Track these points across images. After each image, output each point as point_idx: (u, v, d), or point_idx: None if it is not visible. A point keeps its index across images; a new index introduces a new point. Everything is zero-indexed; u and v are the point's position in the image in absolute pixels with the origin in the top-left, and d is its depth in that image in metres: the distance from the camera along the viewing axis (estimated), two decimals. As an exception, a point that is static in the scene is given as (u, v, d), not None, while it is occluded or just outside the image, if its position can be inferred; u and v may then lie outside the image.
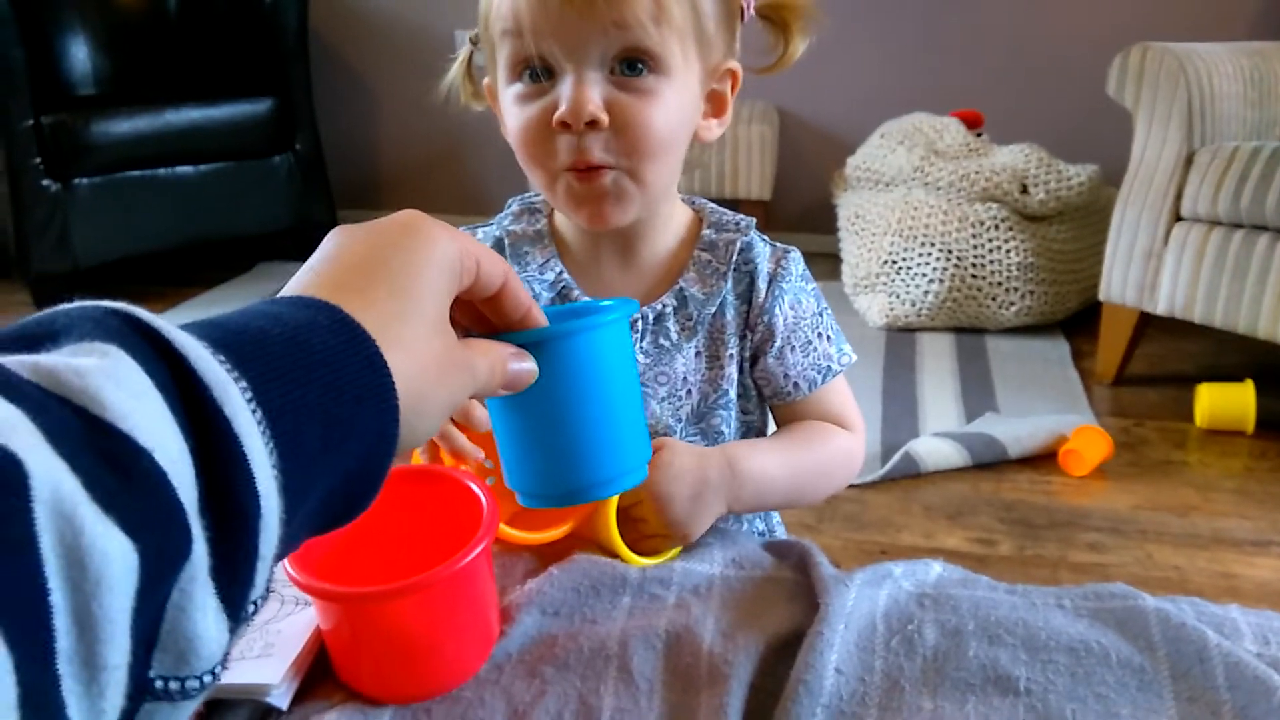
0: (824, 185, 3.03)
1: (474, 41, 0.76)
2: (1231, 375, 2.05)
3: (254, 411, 0.31)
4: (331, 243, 0.41)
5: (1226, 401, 2.00)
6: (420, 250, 0.40)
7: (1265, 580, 1.55)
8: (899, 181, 2.61)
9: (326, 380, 0.34)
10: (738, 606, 0.64)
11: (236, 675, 0.57)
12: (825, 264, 2.97)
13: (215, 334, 0.33)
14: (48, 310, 0.32)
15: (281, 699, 0.56)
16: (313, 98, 3.03)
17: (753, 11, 0.75)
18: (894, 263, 2.53)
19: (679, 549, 0.71)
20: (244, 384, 0.32)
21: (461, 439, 0.67)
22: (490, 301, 0.46)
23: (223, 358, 0.32)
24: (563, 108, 0.66)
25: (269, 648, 0.59)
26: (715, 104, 0.76)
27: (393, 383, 0.36)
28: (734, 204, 2.96)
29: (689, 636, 0.61)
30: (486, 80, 0.76)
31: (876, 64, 2.99)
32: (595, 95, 0.66)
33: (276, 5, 2.85)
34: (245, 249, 3.13)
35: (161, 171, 2.76)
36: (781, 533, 0.93)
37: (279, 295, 0.38)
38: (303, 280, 0.39)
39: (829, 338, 0.81)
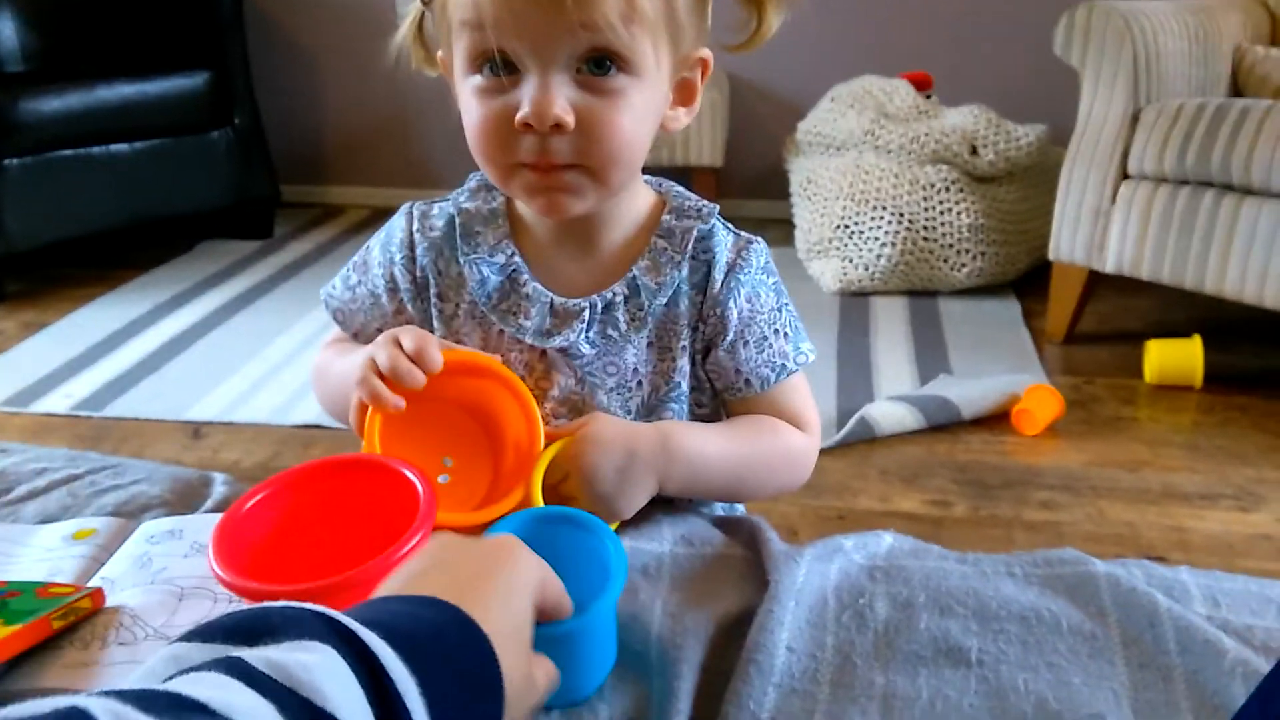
0: (776, 151, 3.01)
1: (425, 3, 0.72)
2: (1179, 331, 2.08)
3: (426, 707, 0.39)
4: (443, 552, 0.51)
5: (1175, 357, 2.02)
6: (519, 575, 0.50)
7: (1214, 533, 1.57)
8: (849, 145, 2.60)
9: (465, 680, 0.42)
10: (687, 586, 0.63)
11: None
12: (779, 230, 2.95)
13: (389, 634, 0.40)
14: (258, 607, 0.41)
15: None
16: (250, 70, 2.94)
17: None
18: (846, 227, 2.52)
19: (615, 526, 0.69)
20: (417, 681, 0.39)
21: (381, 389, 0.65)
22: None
23: (402, 657, 0.39)
24: (526, 109, 0.63)
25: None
26: (684, 92, 0.73)
27: (503, 683, 0.44)
28: (686, 171, 2.93)
29: (636, 625, 0.59)
30: (441, 52, 0.72)
31: (825, 26, 2.97)
32: (560, 98, 0.63)
33: (210, -26, 2.77)
34: (185, 228, 3.04)
35: (95, 150, 2.66)
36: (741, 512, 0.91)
37: (411, 592, 0.46)
38: (426, 579, 0.48)
39: (786, 335, 0.77)
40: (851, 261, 2.53)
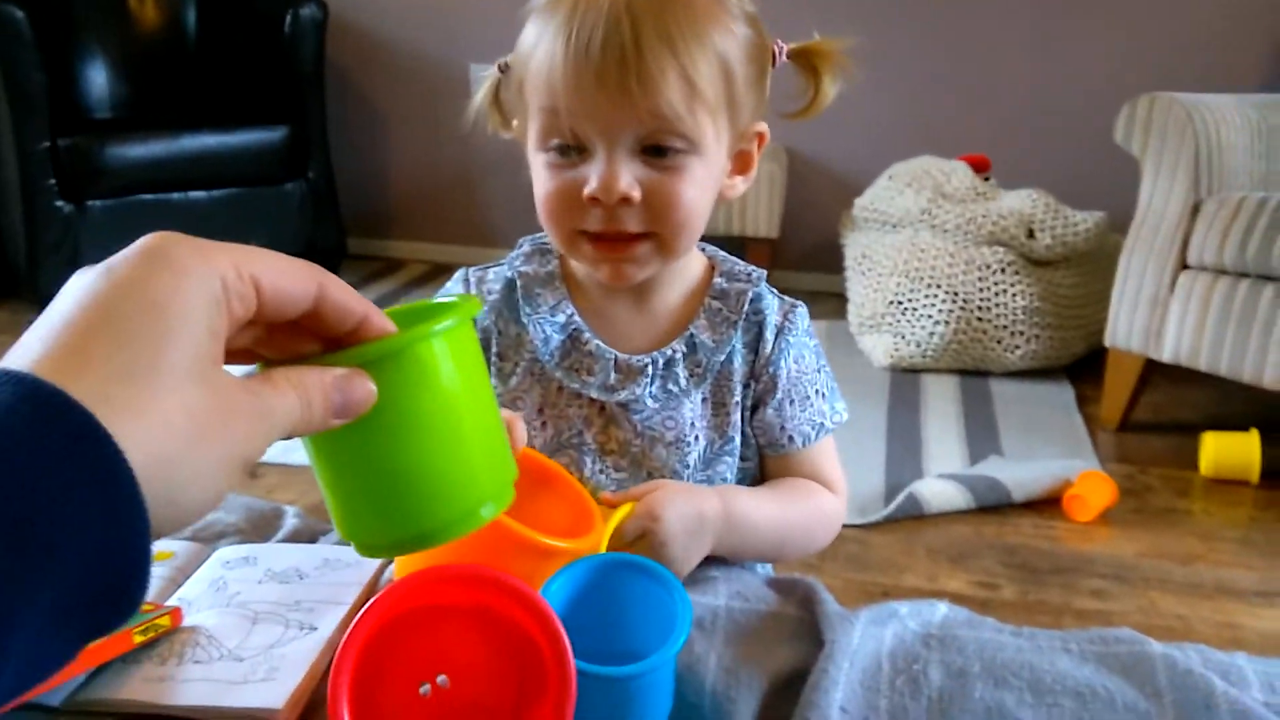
0: (832, 225, 3.04)
1: (502, 69, 0.77)
2: (1236, 424, 2.05)
3: None
4: (59, 296, 0.34)
5: (1231, 450, 1.99)
6: (161, 286, 0.33)
7: (1269, 631, 1.53)
8: (906, 223, 2.62)
9: (5, 482, 0.27)
10: (741, 641, 0.64)
11: (240, 698, 0.57)
12: (831, 303, 2.97)
13: None
14: None
15: (283, 723, 0.56)
16: (326, 127, 3.06)
17: (784, 58, 0.76)
18: (900, 304, 2.54)
19: None
20: None
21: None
22: (312, 320, 0.38)
23: None
24: (594, 185, 0.68)
25: (273, 671, 0.59)
26: (741, 162, 0.77)
27: (117, 457, 0.29)
28: (742, 241, 2.97)
29: (691, 676, 0.61)
30: (516, 120, 0.77)
31: (886, 106, 3.02)
32: (626, 174, 0.68)
33: (295, 35, 2.89)
34: (254, 274, 3.14)
35: (174, 196, 2.78)
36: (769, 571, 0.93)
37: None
38: (15, 348, 0.32)
39: (824, 395, 0.82)
40: (904, 338, 2.54)
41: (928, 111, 3.04)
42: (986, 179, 2.69)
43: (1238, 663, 0.61)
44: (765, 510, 0.77)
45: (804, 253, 3.23)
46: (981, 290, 2.46)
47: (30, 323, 0.34)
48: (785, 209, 3.03)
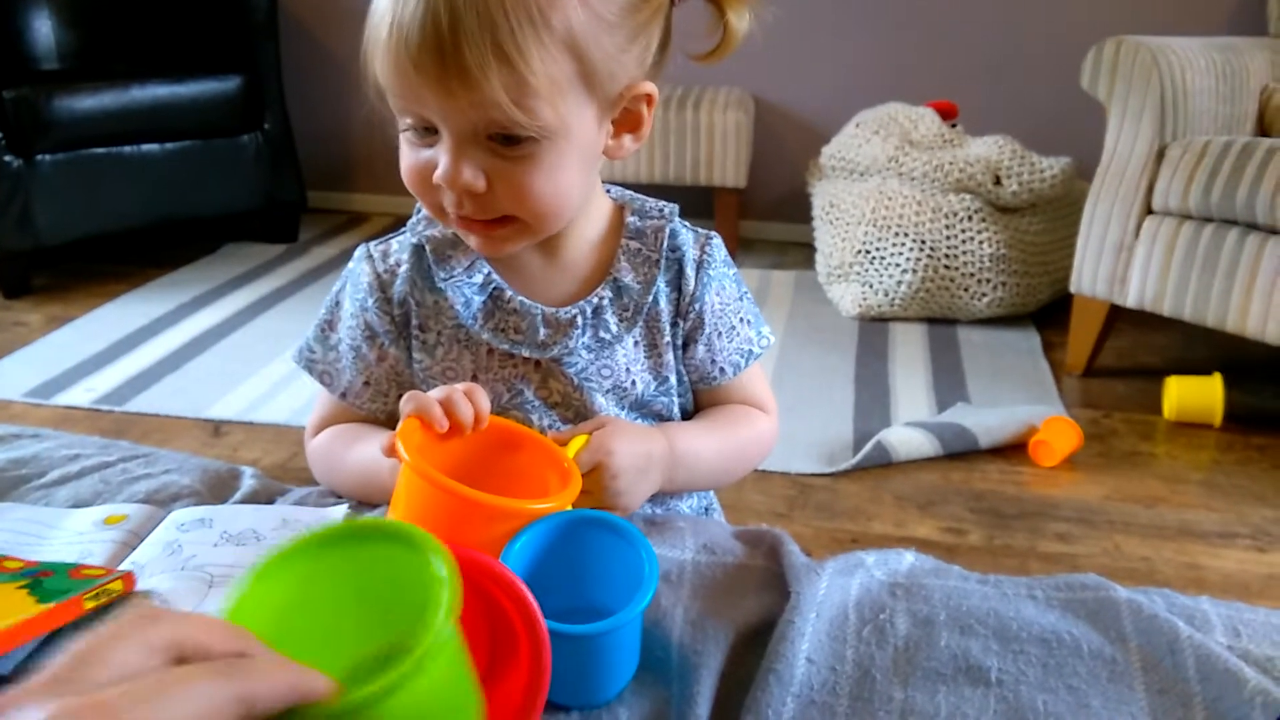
0: (799, 174, 3.02)
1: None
2: (1200, 369, 2.07)
3: None
4: None
5: (1195, 394, 2.01)
6: None
7: (1230, 572, 1.56)
8: (874, 171, 2.61)
9: None
10: (708, 594, 0.64)
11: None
12: (799, 253, 2.96)
13: None
14: None
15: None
16: (282, 76, 2.98)
17: None
18: (867, 252, 2.53)
19: None
20: None
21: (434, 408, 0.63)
22: None
23: None
24: (439, 172, 0.65)
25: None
26: (628, 121, 0.71)
27: None
28: (708, 191, 2.95)
29: (657, 630, 0.60)
30: None
31: (852, 53, 2.99)
32: (469, 166, 0.64)
33: (246, -19, 2.80)
34: (212, 229, 3.08)
35: (127, 149, 2.70)
36: (718, 513, 0.93)
37: None
38: None
39: (749, 321, 0.83)
40: (871, 287, 2.54)
41: (895, 58, 3.01)
42: (954, 125, 2.67)
43: (1202, 607, 0.62)
44: (707, 443, 0.79)
45: (771, 202, 3.21)
46: (949, 238, 2.46)
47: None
48: (752, 158, 3.00)
